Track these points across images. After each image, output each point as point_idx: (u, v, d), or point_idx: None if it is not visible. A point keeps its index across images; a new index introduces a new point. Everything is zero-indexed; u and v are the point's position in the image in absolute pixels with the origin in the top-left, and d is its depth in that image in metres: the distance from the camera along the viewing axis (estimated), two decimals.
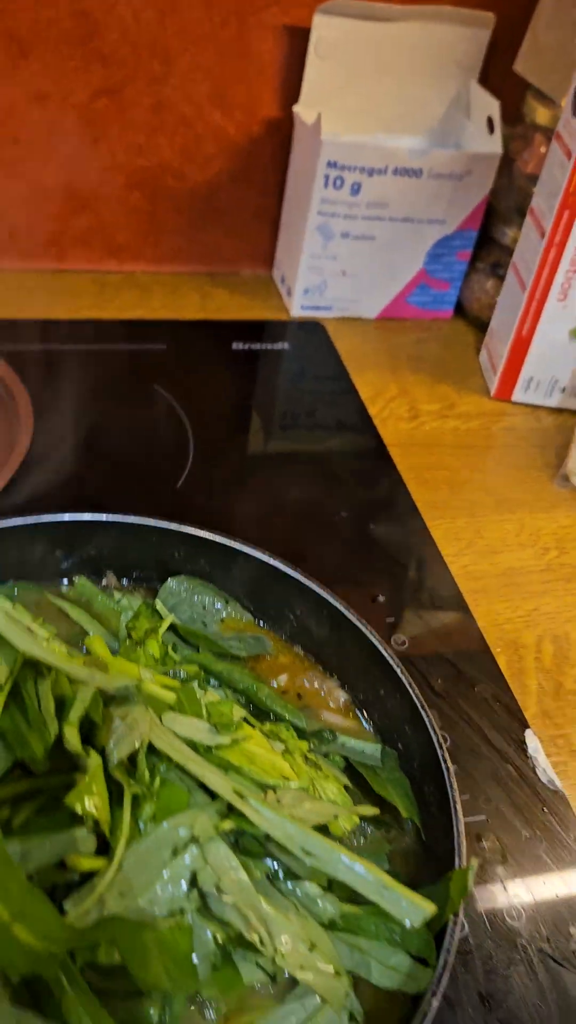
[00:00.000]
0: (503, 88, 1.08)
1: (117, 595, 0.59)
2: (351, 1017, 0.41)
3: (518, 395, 1.05)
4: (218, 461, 0.90)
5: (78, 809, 0.37)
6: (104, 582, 0.61)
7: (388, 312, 1.17)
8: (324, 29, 1.00)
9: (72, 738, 0.39)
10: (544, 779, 0.66)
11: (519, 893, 0.59)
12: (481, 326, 1.16)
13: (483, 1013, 0.53)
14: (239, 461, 0.91)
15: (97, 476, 0.84)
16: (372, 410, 1.01)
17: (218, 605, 0.59)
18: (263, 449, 0.94)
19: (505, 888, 0.59)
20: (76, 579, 0.60)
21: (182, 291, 1.16)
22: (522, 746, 0.68)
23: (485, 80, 1.10)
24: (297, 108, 1.06)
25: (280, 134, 1.10)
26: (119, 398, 0.96)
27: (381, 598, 0.78)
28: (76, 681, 0.41)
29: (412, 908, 0.38)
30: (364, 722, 0.56)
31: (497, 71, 1.10)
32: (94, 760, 0.39)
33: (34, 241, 1.12)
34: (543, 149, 1.05)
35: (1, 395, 0.91)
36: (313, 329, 1.12)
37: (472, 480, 0.94)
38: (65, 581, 0.61)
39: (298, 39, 1.03)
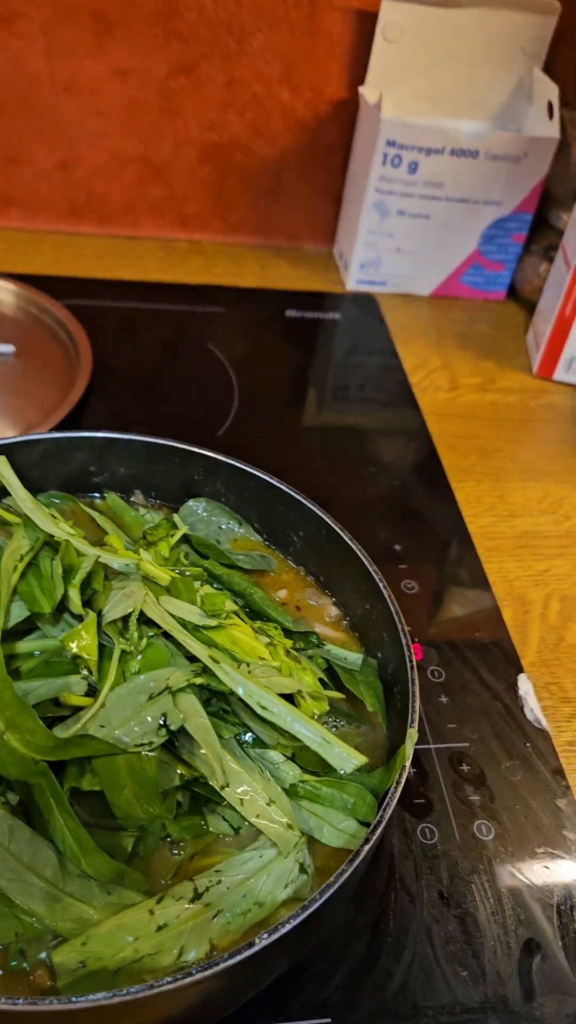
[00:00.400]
0: (566, 76, 1.11)
1: (143, 511, 0.65)
2: (301, 868, 0.46)
3: (559, 374, 1.08)
4: (259, 416, 0.96)
5: (70, 648, 0.43)
6: (132, 499, 0.67)
7: (441, 290, 1.21)
8: (392, 13, 1.05)
9: (74, 597, 0.45)
10: (531, 718, 0.70)
11: (492, 814, 0.63)
12: (532, 308, 1.19)
13: (441, 909, 0.57)
14: (278, 417, 0.97)
15: (144, 419, 0.91)
16: (413, 379, 1.05)
17: (232, 525, 0.64)
18: (302, 409, 1.00)
19: (479, 807, 0.63)
20: (107, 494, 0.66)
21: (244, 261, 1.22)
22: (514, 688, 0.72)
23: (549, 68, 1.13)
24: (363, 89, 1.11)
25: (346, 114, 1.15)
26: (174, 354, 1.02)
27: (397, 547, 0.82)
28: (82, 554, 0.47)
29: (346, 758, 0.43)
30: (355, 639, 0.61)
31: (561, 59, 1.13)
32: (91, 616, 0.45)
33: (111, 208, 1.20)
34: None
35: (65, 342, 0.99)
36: (366, 302, 1.17)
37: (503, 450, 0.97)
38: (97, 496, 0.67)
39: (366, 22, 1.08)
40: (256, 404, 0.97)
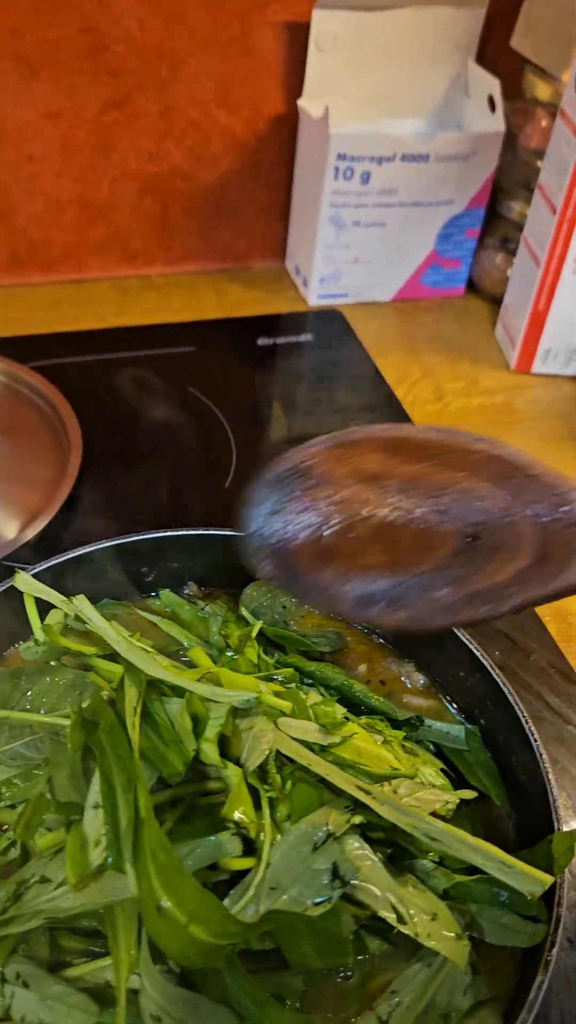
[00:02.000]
0: (500, 65, 1.10)
1: (200, 603, 0.63)
2: (474, 970, 0.45)
3: (537, 367, 1.08)
4: (260, 456, 0.93)
5: (234, 818, 0.41)
6: (186, 591, 0.65)
7: (402, 294, 1.20)
8: (324, 23, 1.02)
9: (212, 753, 0.43)
10: None
11: None
12: (494, 300, 1.19)
13: (569, 953, 0.58)
14: (279, 454, 0.95)
15: (150, 484, 0.88)
16: (399, 393, 1.04)
17: (292, 603, 0.62)
18: (299, 440, 0.98)
19: None
20: (160, 592, 0.64)
21: (199, 290, 1.19)
22: None
23: (482, 58, 1.12)
24: (301, 102, 1.08)
25: (286, 129, 1.12)
26: (157, 404, 0.99)
27: None
28: (207, 700, 0.45)
29: (532, 880, 0.42)
30: (446, 703, 0.60)
31: (494, 49, 1.12)
32: (235, 773, 0.43)
33: (53, 253, 1.15)
34: (544, 123, 1.07)
35: (46, 411, 0.94)
36: (332, 318, 1.15)
37: None
38: (150, 595, 0.65)
39: (299, 34, 1.05)
40: (254, 444, 0.95)
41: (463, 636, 0.57)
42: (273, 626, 0.60)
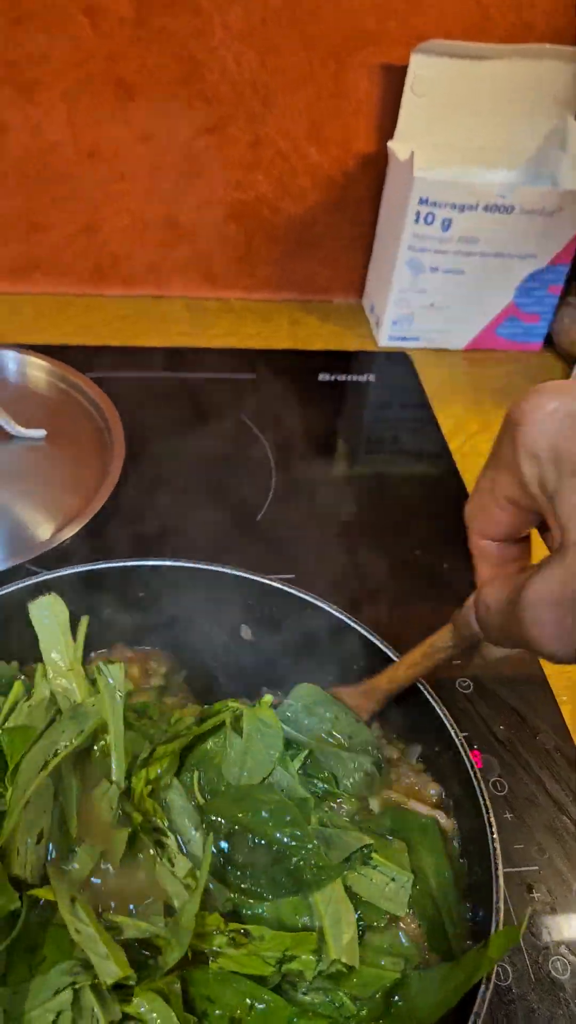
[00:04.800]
0: None
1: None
2: None
3: None
4: (298, 495, 0.93)
5: None
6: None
7: (476, 343, 1.18)
8: (421, 68, 1.02)
9: None
10: None
11: (566, 946, 0.60)
12: (570, 360, 1.16)
13: None
14: (320, 495, 0.94)
15: (183, 506, 0.88)
16: (453, 444, 1.02)
17: (337, 712, 0.59)
18: (343, 484, 0.97)
19: (552, 940, 0.60)
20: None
21: (274, 318, 1.19)
22: None
23: None
24: (392, 144, 1.08)
25: (374, 168, 1.12)
26: (207, 427, 1.00)
27: None
28: None
29: None
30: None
31: None
32: None
33: (135, 269, 1.18)
34: None
35: (96, 421, 0.96)
36: (400, 360, 1.14)
37: None
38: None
39: (394, 77, 1.05)
40: (294, 482, 0.94)
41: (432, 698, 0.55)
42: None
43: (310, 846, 0.51)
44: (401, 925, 0.52)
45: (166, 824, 0.52)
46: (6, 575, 0.74)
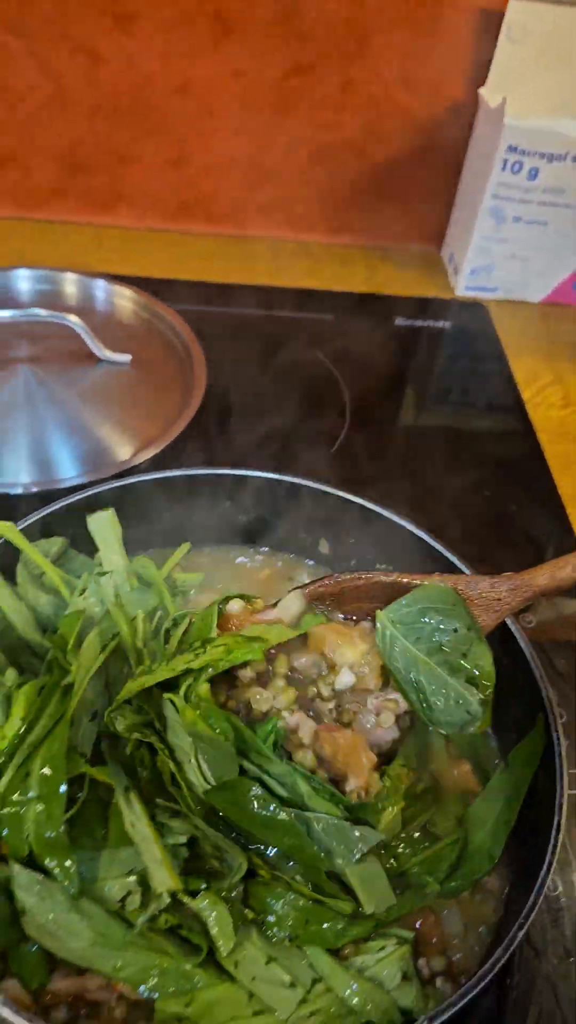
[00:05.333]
0: None
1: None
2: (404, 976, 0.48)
3: None
4: (371, 432, 0.95)
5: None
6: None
7: (554, 297, 1.18)
8: (518, 13, 1.01)
9: None
10: None
11: None
12: None
13: (566, 964, 0.58)
14: (391, 434, 0.96)
15: (260, 438, 0.91)
16: (526, 395, 1.03)
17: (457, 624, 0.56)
18: (414, 424, 0.99)
19: None
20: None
21: (351, 263, 1.21)
22: None
23: None
24: (483, 91, 1.08)
25: (463, 115, 1.12)
26: (284, 363, 1.02)
27: None
28: None
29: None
30: None
31: None
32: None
33: (219, 207, 1.19)
34: None
35: (178, 350, 0.99)
36: (476, 310, 1.15)
37: None
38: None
39: (491, 22, 1.04)
40: (368, 420, 0.96)
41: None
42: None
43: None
44: None
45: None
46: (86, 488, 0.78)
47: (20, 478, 0.84)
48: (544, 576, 0.56)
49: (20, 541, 0.60)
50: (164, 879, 0.47)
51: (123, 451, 0.88)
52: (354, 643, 0.57)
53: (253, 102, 1.10)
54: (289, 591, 0.59)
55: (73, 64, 1.06)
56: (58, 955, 0.45)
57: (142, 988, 0.45)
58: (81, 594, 0.58)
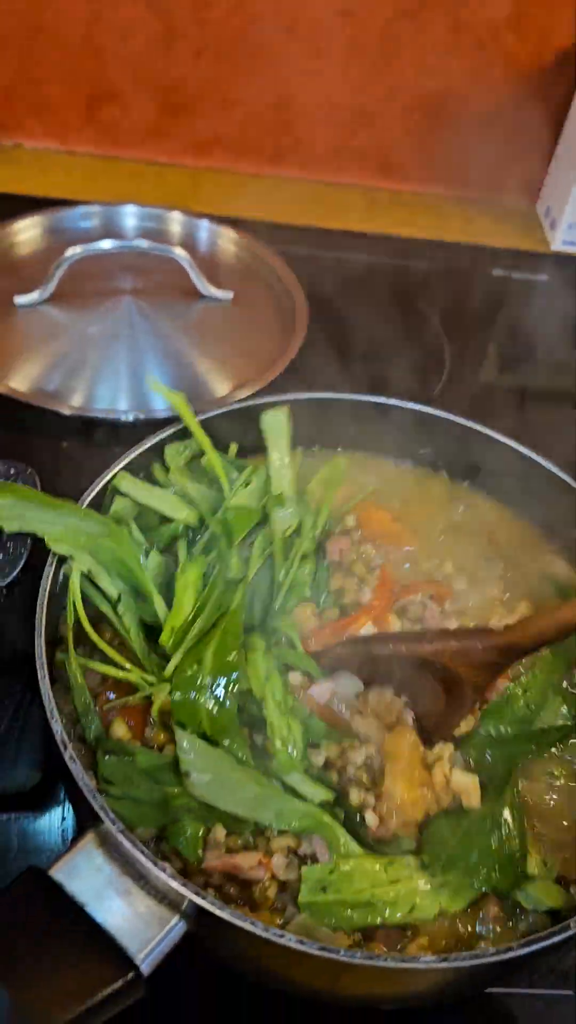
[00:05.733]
0: None
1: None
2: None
3: None
4: (470, 381, 0.95)
5: None
6: None
7: None
8: None
9: None
10: None
11: None
12: None
13: None
14: (490, 380, 0.96)
15: (358, 384, 0.91)
16: None
17: None
18: (513, 375, 0.98)
19: None
20: None
21: (446, 214, 1.20)
22: None
23: None
24: None
25: (570, 66, 1.10)
26: (383, 309, 1.02)
27: None
28: None
29: None
30: None
31: None
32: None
33: (316, 152, 1.19)
34: None
35: (279, 292, 0.99)
36: (573, 264, 1.14)
37: None
38: None
39: None
40: (467, 368, 0.96)
41: None
42: None
43: None
44: None
45: None
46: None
47: (119, 405, 0.86)
48: (528, 638, 0.53)
49: (191, 420, 0.63)
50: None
51: (220, 387, 0.89)
52: None
53: (359, 45, 1.09)
54: None
55: (182, 1, 1.06)
56: (223, 807, 0.47)
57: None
58: (246, 486, 0.59)
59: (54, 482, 0.70)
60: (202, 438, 0.63)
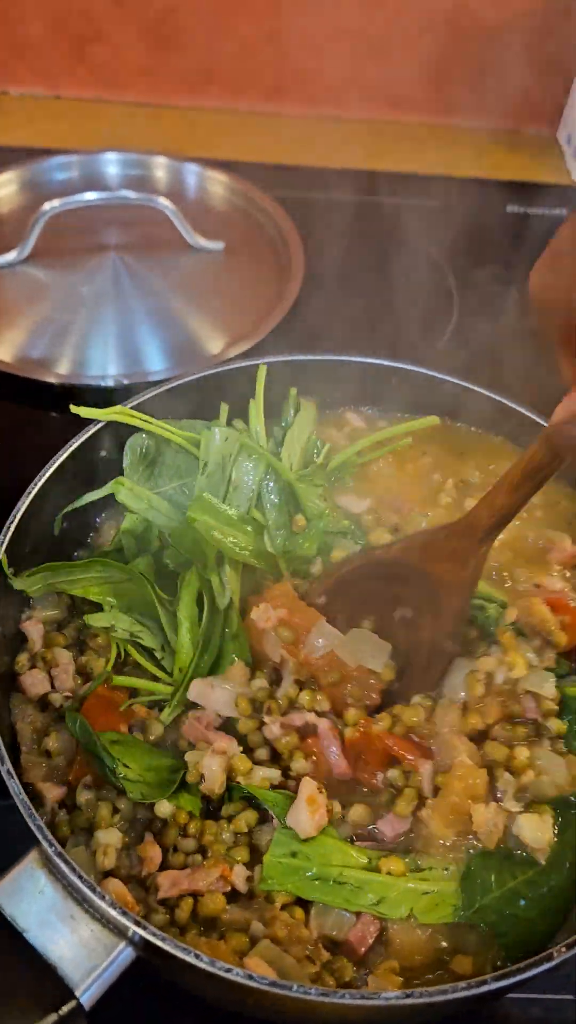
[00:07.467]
0: None
1: None
2: None
3: None
4: (479, 327, 0.88)
5: None
6: None
7: None
8: None
9: None
10: None
11: None
12: None
13: None
14: (500, 330, 0.89)
15: (360, 332, 0.85)
16: None
17: None
18: (525, 319, 0.91)
19: None
20: None
21: (458, 146, 1.11)
22: None
23: None
24: None
25: None
26: (387, 253, 0.95)
27: None
28: None
29: None
30: None
31: None
32: None
33: (317, 86, 1.11)
34: None
35: (274, 238, 0.93)
36: None
37: None
38: None
39: None
40: (476, 313, 0.89)
41: None
42: None
43: None
44: None
45: None
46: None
47: (108, 370, 0.81)
48: (483, 511, 0.52)
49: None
50: None
51: (214, 344, 0.84)
52: None
53: None
54: None
55: None
56: None
57: None
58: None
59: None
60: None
